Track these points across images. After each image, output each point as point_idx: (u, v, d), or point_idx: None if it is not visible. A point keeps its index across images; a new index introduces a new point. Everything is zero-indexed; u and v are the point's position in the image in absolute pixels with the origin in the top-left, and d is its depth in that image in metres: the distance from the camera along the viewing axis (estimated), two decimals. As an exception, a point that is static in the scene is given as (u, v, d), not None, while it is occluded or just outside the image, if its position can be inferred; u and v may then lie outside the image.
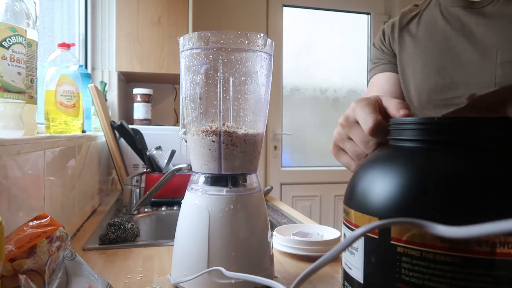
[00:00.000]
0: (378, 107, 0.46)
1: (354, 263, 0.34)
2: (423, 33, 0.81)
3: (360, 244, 0.34)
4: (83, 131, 1.08)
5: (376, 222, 0.27)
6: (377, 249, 0.32)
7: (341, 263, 0.38)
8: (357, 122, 0.47)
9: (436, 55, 0.78)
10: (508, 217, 0.24)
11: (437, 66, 0.77)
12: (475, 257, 0.27)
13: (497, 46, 0.70)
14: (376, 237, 0.32)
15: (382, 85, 0.87)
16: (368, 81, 0.95)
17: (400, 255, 0.30)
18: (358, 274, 0.34)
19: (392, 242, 0.30)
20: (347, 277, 0.36)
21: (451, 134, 0.32)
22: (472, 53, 0.73)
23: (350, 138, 0.50)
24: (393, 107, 0.44)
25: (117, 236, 0.80)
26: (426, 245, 0.29)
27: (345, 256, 0.37)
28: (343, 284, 0.37)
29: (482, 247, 0.27)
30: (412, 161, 0.33)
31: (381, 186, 0.32)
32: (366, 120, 0.44)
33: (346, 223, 0.37)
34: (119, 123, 1.39)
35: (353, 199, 0.35)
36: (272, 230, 0.72)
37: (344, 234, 0.37)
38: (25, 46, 0.63)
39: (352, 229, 0.35)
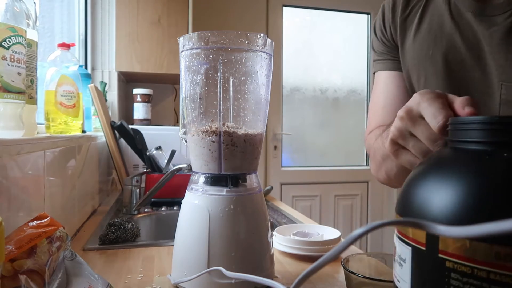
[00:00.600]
0: (447, 101, 0.40)
1: (402, 275, 0.32)
2: (428, 32, 0.70)
3: (407, 255, 0.31)
4: (83, 131, 1.08)
5: (375, 223, 0.27)
6: (424, 262, 0.29)
7: (393, 274, 0.35)
8: (422, 117, 0.42)
9: (441, 69, 0.68)
10: None
11: (444, 84, 0.68)
12: None
13: (501, 78, 0.62)
14: (424, 248, 0.29)
15: (390, 87, 0.79)
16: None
17: (448, 271, 0.26)
18: (405, 287, 0.31)
19: (440, 255, 0.27)
20: None
21: None
22: (480, 78, 0.64)
23: (412, 134, 0.44)
24: (459, 103, 0.39)
25: (117, 236, 0.80)
26: (478, 261, 0.25)
27: (395, 267, 0.34)
28: None
29: None
30: (477, 166, 0.29)
31: (443, 195, 0.28)
32: (436, 116, 0.38)
33: (400, 236, 0.32)
34: (119, 123, 1.39)
35: (411, 209, 0.31)
36: (272, 230, 0.72)
37: (395, 248, 0.34)
38: (25, 46, 0.63)
39: (407, 243, 0.31)
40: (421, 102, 0.42)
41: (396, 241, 0.33)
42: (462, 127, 0.32)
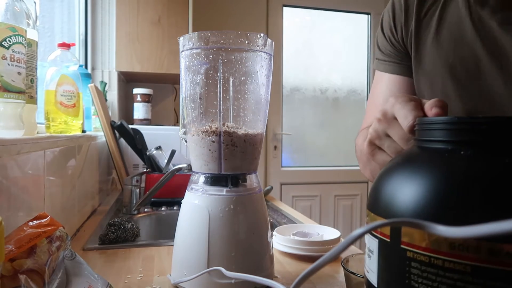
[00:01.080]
0: (419, 104, 0.43)
1: (371, 266, 0.34)
2: (447, 39, 0.66)
3: (375, 247, 0.33)
4: (83, 131, 1.08)
5: (376, 222, 0.27)
6: (389, 253, 0.31)
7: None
8: (396, 119, 0.44)
9: (461, 77, 0.65)
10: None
11: (462, 91, 0.65)
12: (487, 267, 0.25)
13: None
14: (388, 240, 0.31)
15: (392, 91, 0.76)
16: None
17: (409, 260, 0.29)
18: (373, 277, 0.33)
19: (402, 246, 0.29)
20: (366, 280, 0.35)
21: (484, 135, 0.29)
22: (504, 90, 0.61)
23: (387, 135, 0.47)
24: (428, 105, 0.41)
25: (117, 236, 0.80)
26: (434, 250, 0.27)
27: (365, 259, 0.36)
28: None
29: (495, 256, 0.25)
30: (437, 164, 0.31)
31: (408, 190, 0.30)
32: (407, 117, 0.41)
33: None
34: (119, 123, 1.39)
35: (379, 205, 0.33)
36: (272, 230, 0.72)
37: (367, 242, 0.35)
38: (25, 46, 0.63)
39: (375, 236, 0.33)
40: (395, 104, 0.44)
41: (366, 235, 0.35)
42: (426, 127, 0.34)
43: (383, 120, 0.46)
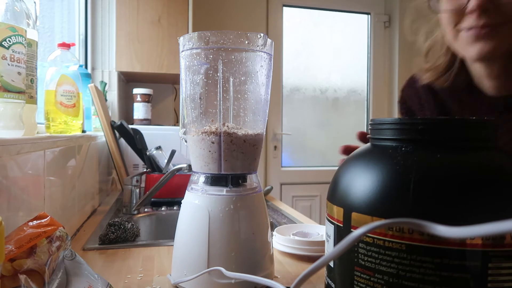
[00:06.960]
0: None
1: (329, 248, 0.39)
2: None
3: (331, 232, 0.38)
4: (83, 131, 1.08)
5: (377, 222, 0.27)
6: (342, 236, 0.36)
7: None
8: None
9: None
10: (475, 212, 0.30)
11: None
12: (418, 245, 0.30)
13: None
14: (342, 225, 0.36)
15: None
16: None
17: (358, 242, 0.33)
18: None
19: (352, 229, 0.34)
20: None
21: (424, 134, 0.35)
22: None
23: None
24: None
25: (117, 236, 0.80)
26: (377, 232, 0.32)
27: (325, 244, 0.41)
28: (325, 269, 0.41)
29: (423, 236, 0.30)
30: (384, 159, 0.36)
31: (359, 182, 0.35)
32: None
33: (328, 217, 0.40)
34: (119, 123, 1.39)
35: (336, 195, 0.38)
36: (272, 230, 0.72)
37: (326, 229, 0.40)
38: (25, 46, 0.63)
39: (332, 222, 0.38)
40: None
41: (326, 222, 0.40)
42: (377, 127, 0.39)
43: None
